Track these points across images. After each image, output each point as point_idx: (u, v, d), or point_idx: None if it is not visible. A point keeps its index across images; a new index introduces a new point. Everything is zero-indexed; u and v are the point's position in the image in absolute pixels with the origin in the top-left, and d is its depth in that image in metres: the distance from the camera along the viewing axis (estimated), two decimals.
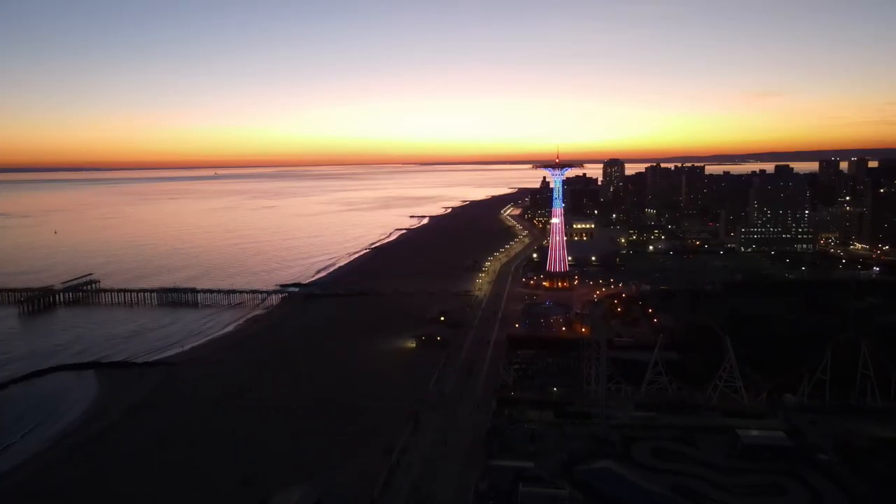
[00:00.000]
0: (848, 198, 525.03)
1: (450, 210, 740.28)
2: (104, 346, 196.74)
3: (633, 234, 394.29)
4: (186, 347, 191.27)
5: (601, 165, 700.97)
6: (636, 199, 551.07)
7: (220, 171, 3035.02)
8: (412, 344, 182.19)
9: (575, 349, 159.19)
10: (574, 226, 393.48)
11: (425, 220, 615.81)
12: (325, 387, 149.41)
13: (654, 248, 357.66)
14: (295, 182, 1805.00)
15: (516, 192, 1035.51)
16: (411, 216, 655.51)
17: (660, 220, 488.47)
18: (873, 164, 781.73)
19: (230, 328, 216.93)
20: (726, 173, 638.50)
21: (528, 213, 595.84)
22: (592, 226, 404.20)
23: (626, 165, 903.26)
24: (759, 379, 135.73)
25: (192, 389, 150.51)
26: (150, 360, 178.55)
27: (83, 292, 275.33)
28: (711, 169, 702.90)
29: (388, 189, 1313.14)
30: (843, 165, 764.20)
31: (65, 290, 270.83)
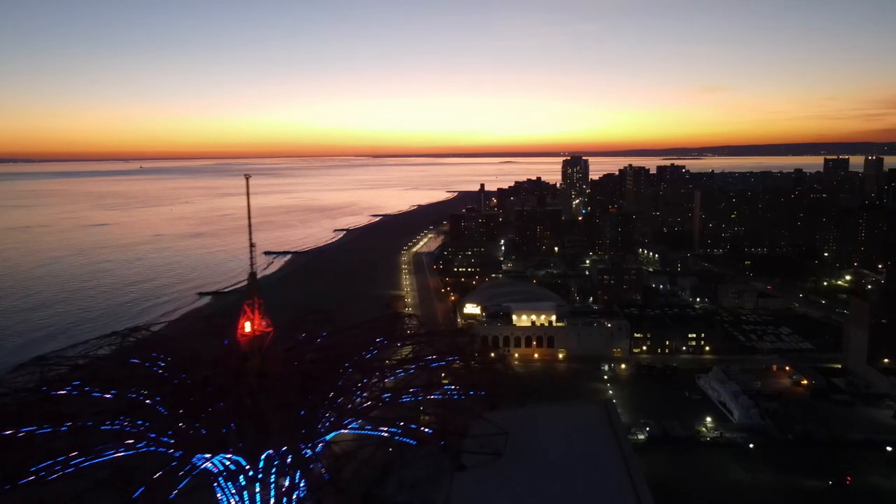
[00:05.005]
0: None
1: (342, 234, 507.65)
2: None
3: (647, 338, 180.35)
4: None
5: (557, 160, 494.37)
6: (620, 229, 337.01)
7: (146, 165, 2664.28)
8: None
9: None
10: (518, 318, 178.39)
11: (288, 258, 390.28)
12: None
13: (714, 389, 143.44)
14: (201, 180, 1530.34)
15: (455, 198, 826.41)
16: (266, 252, 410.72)
17: (673, 270, 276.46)
18: (855, 159, 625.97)
19: None
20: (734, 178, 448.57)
21: (439, 261, 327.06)
22: (553, 317, 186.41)
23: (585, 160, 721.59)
24: None
25: None
26: None
27: None
28: (693, 165, 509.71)
29: (305, 190, 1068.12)
30: (815, 161, 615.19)
31: None
